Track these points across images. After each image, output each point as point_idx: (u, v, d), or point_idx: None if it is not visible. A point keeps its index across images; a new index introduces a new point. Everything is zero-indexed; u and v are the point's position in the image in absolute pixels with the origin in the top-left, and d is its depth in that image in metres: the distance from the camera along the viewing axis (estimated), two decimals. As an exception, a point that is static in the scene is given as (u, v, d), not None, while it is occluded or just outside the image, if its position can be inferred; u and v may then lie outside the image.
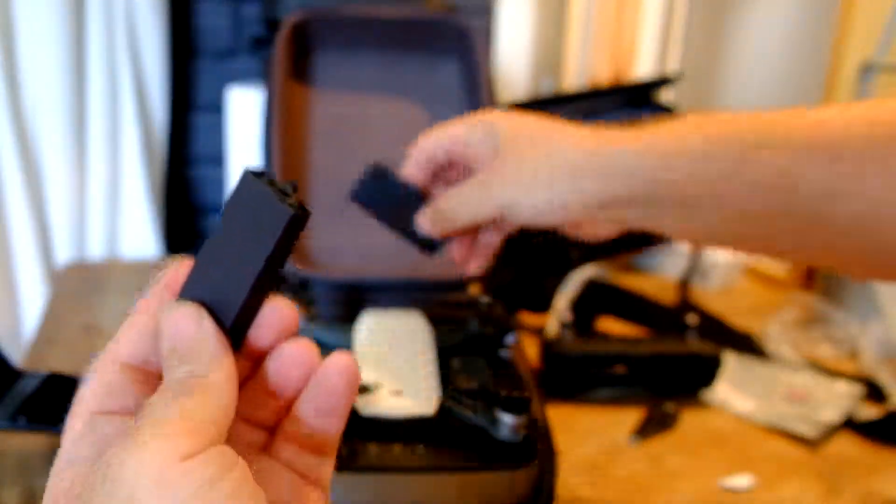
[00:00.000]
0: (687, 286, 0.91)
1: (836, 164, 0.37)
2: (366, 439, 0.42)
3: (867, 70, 0.81)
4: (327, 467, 0.28)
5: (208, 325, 0.25)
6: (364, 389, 0.43)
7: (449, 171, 0.49)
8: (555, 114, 0.83)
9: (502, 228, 0.49)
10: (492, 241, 0.50)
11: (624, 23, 1.20)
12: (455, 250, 0.50)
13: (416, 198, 0.49)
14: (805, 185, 0.38)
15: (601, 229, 0.46)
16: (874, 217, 0.37)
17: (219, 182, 1.08)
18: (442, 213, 0.47)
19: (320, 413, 0.27)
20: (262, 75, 0.82)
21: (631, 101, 0.86)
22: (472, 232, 0.49)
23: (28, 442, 0.52)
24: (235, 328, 0.25)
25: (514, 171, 0.44)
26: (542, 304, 0.76)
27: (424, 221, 0.49)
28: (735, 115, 0.41)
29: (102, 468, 0.22)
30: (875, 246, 0.38)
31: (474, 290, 0.68)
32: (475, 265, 0.51)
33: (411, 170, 0.49)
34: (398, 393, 0.44)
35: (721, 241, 0.45)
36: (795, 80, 1.04)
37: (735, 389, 0.66)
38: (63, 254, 0.96)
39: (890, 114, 0.37)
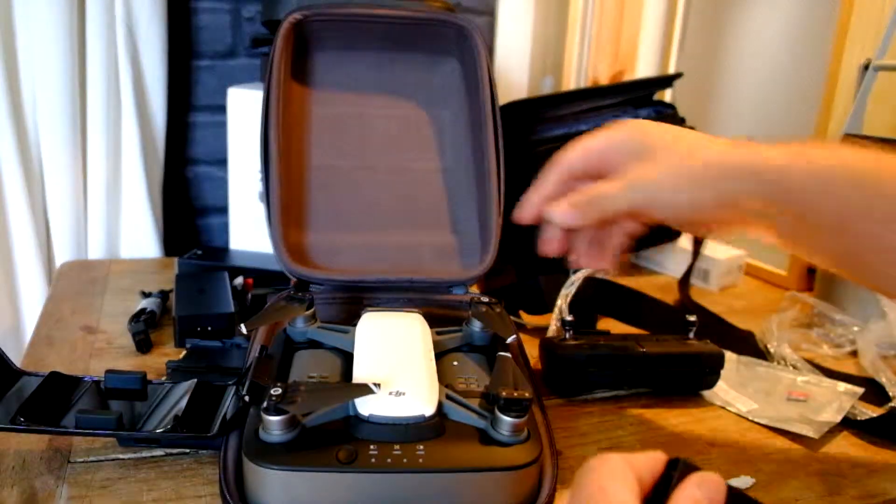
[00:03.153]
0: (687, 286, 0.91)
1: None
2: (366, 439, 0.42)
3: (867, 70, 0.81)
4: None
5: None
6: (364, 389, 0.43)
7: (583, 180, 0.52)
8: (555, 114, 0.84)
9: (632, 226, 0.55)
10: (620, 240, 0.55)
11: (624, 23, 1.20)
12: (583, 252, 0.55)
13: None
14: None
15: (725, 231, 0.50)
16: None
17: (219, 182, 1.08)
18: (586, 200, 0.50)
19: None
20: (262, 75, 0.82)
21: (631, 101, 0.85)
22: (603, 226, 0.54)
23: (28, 442, 0.52)
24: None
25: (657, 171, 0.47)
26: (542, 304, 0.76)
27: (562, 206, 0.51)
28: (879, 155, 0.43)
29: None
30: None
31: (474, 290, 0.68)
32: (606, 263, 0.56)
33: (547, 185, 0.53)
34: (398, 393, 0.44)
35: (836, 264, 0.47)
36: (795, 80, 1.04)
37: (735, 389, 0.66)
38: (63, 254, 0.96)
39: None
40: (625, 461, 0.33)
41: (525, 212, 0.55)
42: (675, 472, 0.33)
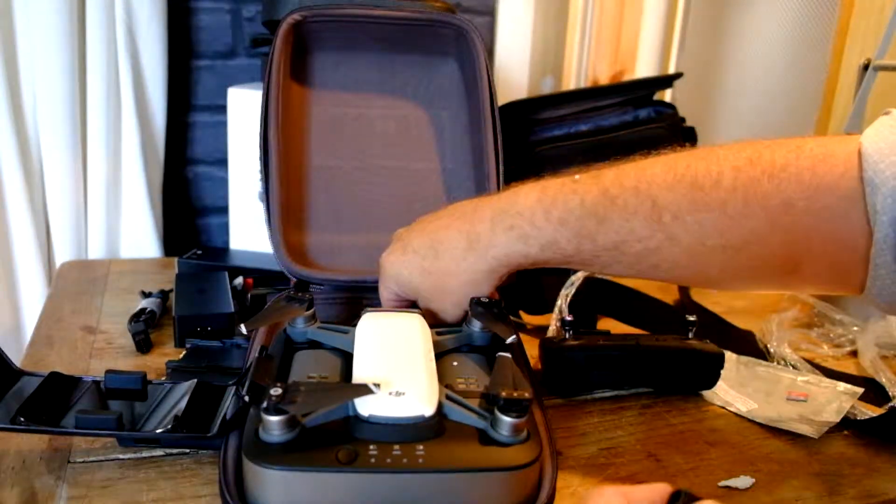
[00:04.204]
0: (687, 286, 0.91)
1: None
2: (366, 439, 0.42)
3: (867, 70, 0.81)
4: None
5: None
6: (364, 389, 0.43)
7: None
8: (555, 114, 0.84)
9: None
10: None
11: (624, 23, 1.20)
12: None
13: None
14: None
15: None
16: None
17: (219, 182, 1.08)
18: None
19: None
20: (262, 75, 0.82)
21: (631, 101, 0.85)
22: None
23: (28, 442, 0.52)
24: None
25: (440, 307, 0.58)
26: (542, 304, 0.76)
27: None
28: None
29: None
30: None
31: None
32: None
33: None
34: (398, 393, 0.44)
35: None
36: (795, 81, 1.04)
37: (735, 389, 0.66)
38: (63, 254, 0.96)
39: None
40: (619, 494, 0.34)
41: None
42: (677, 502, 0.33)
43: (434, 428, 0.43)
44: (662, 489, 0.36)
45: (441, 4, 0.77)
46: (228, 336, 0.66)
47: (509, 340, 0.54)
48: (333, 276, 0.63)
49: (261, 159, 0.64)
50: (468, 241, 0.53)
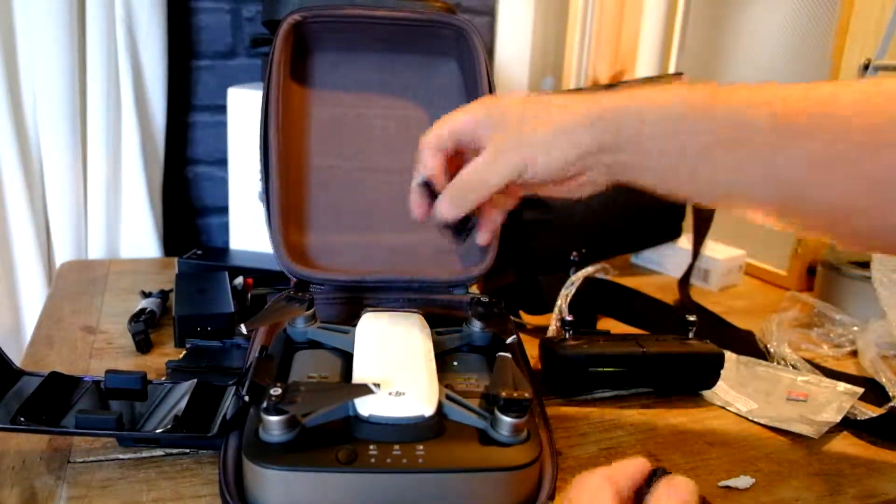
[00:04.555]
0: (687, 286, 0.91)
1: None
2: (366, 439, 0.42)
3: (867, 70, 0.81)
4: None
5: None
6: (364, 389, 0.43)
7: (457, 159, 0.52)
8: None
9: (509, 200, 0.56)
10: (498, 219, 0.56)
11: (624, 23, 1.20)
12: (482, 234, 0.56)
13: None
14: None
15: (586, 186, 0.50)
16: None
17: (219, 182, 1.08)
18: (459, 189, 0.50)
19: None
20: (262, 75, 0.82)
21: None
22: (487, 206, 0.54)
23: (28, 442, 0.52)
24: None
25: (519, 136, 0.48)
26: (542, 304, 0.76)
27: (443, 204, 0.51)
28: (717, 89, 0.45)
29: None
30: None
31: (474, 290, 0.68)
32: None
33: (427, 163, 0.52)
34: (398, 393, 0.44)
35: (699, 195, 0.49)
36: (795, 80, 1.03)
37: (735, 389, 0.66)
38: (63, 254, 0.96)
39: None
40: (603, 478, 0.35)
41: (419, 211, 0.54)
42: (655, 479, 0.36)
43: (434, 428, 0.43)
44: (642, 466, 0.37)
45: (441, 4, 0.77)
46: (228, 336, 0.66)
47: (509, 340, 0.54)
48: (333, 276, 0.63)
49: (261, 159, 0.64)
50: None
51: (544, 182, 0.48)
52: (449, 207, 0.51)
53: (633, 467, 0.37)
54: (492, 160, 0.48)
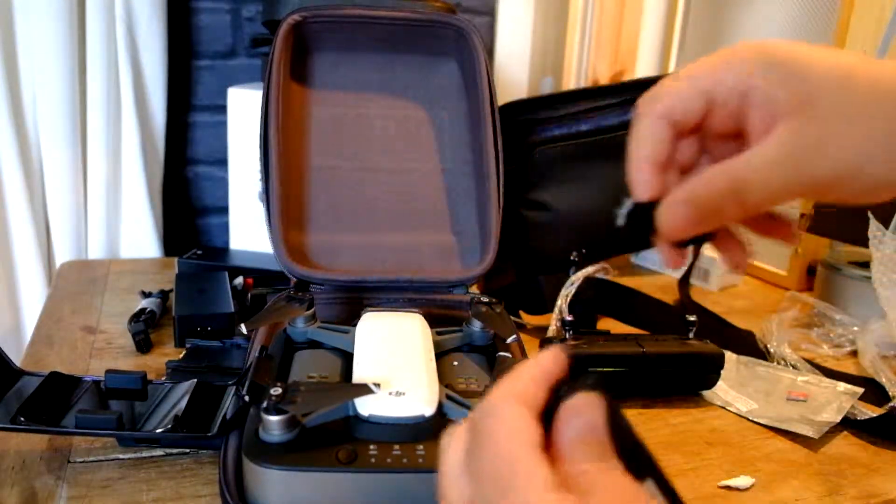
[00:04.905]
0: (687, 286, 0.91)
1: None
2: (366, 439, 0.42)
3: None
4: None
5: None
6: (364, 389, 0.43)
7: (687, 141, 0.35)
8: (554, 114, 0.84)
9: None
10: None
11: (624, 23, 1.20)
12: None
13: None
14: None
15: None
16: None
17: (219, 182, 1.08)
18: (707, 192, 0.32)
19: None
20: (262, 75, 0.82)
21: (631, 101, 0.85)
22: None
23: (28, 442, 0.52)
24: None
25: (849, 122, 0.29)
26: (542, 304, 0.76)
27: (675, 209, 0.33)
28: None
29: None
30: None
31: (474, 290, 0.68)
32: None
33: (652, 151, 0.34)
34: (398, 393, 0.44)
35: None
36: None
37: (735, 389, 0.66)
38: (63, 254, 0.96)
39: None
40: (521, 407, 0.27)
41: (644, 191, 0.35)
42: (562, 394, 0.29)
43: (434, 428, 0.43)
44: (549, 373, 0.29)
45: (441, 4, 0.77)
46: (228, 336, 0.66)
47: (509, 340, 0.54)
48: (333, 276, 0.63)
49: (261, 159, 0.64)
50: None
51: (869, 199, 0.31)
52: (681, 217, 0.34)
53: (544, 373, 0.29)
54: (794, 158, 0.31)
